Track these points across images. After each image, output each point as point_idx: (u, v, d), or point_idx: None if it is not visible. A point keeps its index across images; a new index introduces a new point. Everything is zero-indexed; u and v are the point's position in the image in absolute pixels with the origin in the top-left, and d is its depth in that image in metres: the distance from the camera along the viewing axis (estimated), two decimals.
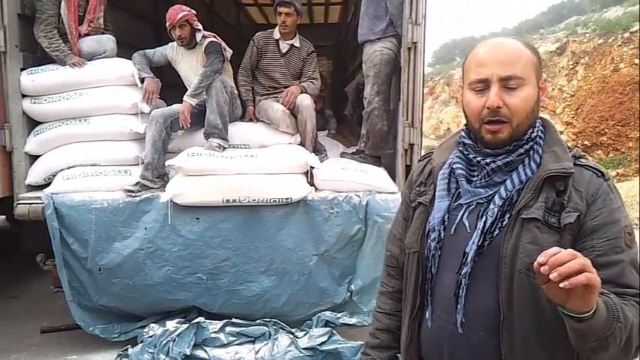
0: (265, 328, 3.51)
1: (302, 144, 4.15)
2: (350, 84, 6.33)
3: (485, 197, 1.32)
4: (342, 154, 4.42)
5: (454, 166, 1.39)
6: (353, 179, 3.72)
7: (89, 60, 4.02)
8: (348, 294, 3.69)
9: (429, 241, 1.38)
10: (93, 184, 3.71)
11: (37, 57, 3.99)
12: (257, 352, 3.34)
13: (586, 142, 12.46)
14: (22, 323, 4.26)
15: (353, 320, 3.66)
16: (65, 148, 3.86)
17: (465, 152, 1.37)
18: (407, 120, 3.71)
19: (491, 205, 1.29)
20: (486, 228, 1.28)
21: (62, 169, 3.80)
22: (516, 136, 1.28)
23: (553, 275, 1.00)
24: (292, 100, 4.12)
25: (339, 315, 3.68)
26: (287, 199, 3.59)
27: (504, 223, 1.27)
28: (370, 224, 3.58)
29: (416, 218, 1.46)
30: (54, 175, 3.80)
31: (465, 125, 1.39)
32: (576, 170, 1.27)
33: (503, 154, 1.30)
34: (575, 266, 1.00)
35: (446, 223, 1.36)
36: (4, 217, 4.88)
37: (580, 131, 12.94)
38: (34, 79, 3.82)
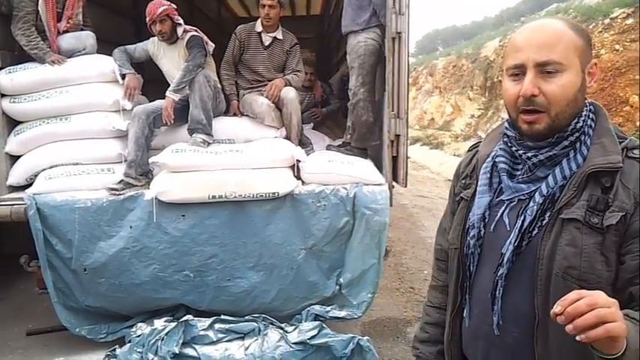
0: (255, 323, 3.49)
1: (287, 137, 4.11)
2: (334, 76, 6.30)
3: (527, 193, 1.25)
4: (328, 147, 4.39)
5: (497, 160, 1.32)
6: (340, 172, 3.70)
7: (69, 57, 3.95)
8: (337, 287, 3.68)
9: (468, 238, 1.34)
10: (75, 183, 3.65)
11: (15, 55, 3.92)
12: (247, 349, 3.32)
13: None
14: (8, 326, 4.19)
15: (342, 313, 3.65)
16: (46, 148, 3.79)
17: (509, 144, 1.30)
18: (392, 111, 3.69)
19: (531, 203, 1.22)
20: (524, 227, 1.21)
21: (44, 169, 3.74)
22: (557, 127, 1.19)
23: (569, 328, 0.94)
24: (277, 94, 4.08)
25: (328, 308, 3.66)
26: (274, 193, 3.56)
27: (544, 222, 1.20)
28: (358, 217, 3.56)
29: (458, 213, 1.42)
30: (36, 175, 3.73)
31: (509, 115, 1.30)
32: (627, 164, 1.16)
33: (546, 147, 1.22)
34: (591, 319, 0.92)
35: (486, 220, 1.31)
36: None
37: None
38: (12, 77, 3.75)
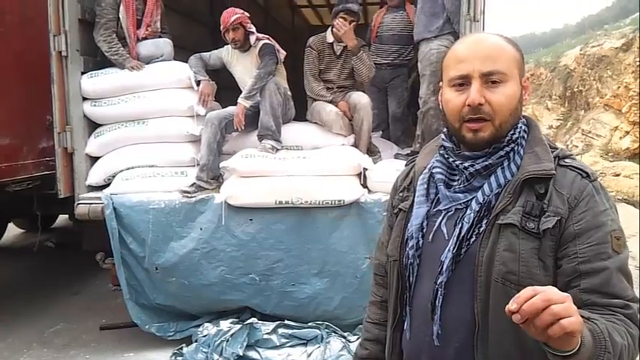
0: (317, 331, 3.49)
1: (356, 144, 4.09)
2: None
3: (464, 202, 1.25)
4: (396, 156, 4.35)
5: (433, 171, 1.32)
6: None
7: (147, 63, 4.11)
8: None
9: (407, 249, 1.32)
10: (150, 185, 3.79)
11: (97, 61, 4.12)
12: (309, 355, 3.33)
13: None
14: (82, 320, 4.40)
15: None
16: (124, 150, 3.96)
17: (446, 156, 1.30)
18: None
19: (468, 211, 1.22)
20: (462, 235, 1.21)
21: (121, 170, 3.90)
22: (499, 136, 1.21)
23: (531, 331, 0.93)
24: (348, 33, 4.02)
25: None
26: (339, 201, 3.55)
27: (481, 229, 1.20)
28: None
29: (396, 225, 1.39)
30: (113, 176, 3.90)
31: (446, 127, 1.31)
32: (560, 171, 1.19)
33: (482, 157, 1.23)
34: (547, 318, 0.91)
35: (424, 230, 1.29)
36: (67, 216, 5.06)
37: None
38: (94, 82, 3.94)
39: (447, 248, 1.23)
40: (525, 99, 1.26)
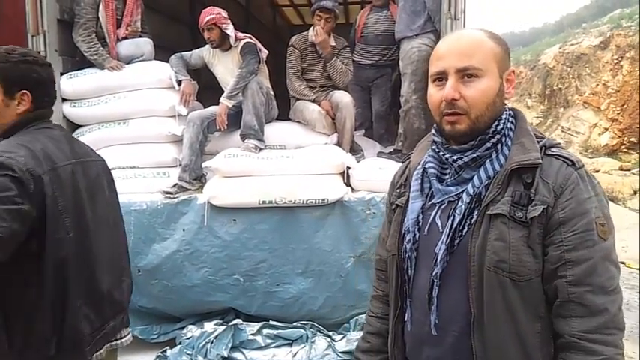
0: (302, 330, 3.48)
1: (339, 143, 4.10)
2: None
3: (455, 195, 1.30)
4: (379, 154, 4.35)
5: (426, 166, 1.38)
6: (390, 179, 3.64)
7: (127, 63, 4.07)
8: None
9: (404, 243, 1.38)
10: (132, 186, 3.75)
11: (76, 61, 4.07)
12: (294, 355, 3.32)
13: (632, 139, 12.04)
14: None
15: None
16: (105, 151, 3.89)
17: (437, 150, 1.35)
18: None
19: (460, 203, 1.27)
20: (454, 226, 1.26)
21: None
22: (477, 129, 1.26)
23: None
24: (324, 41, 4.08)
25: None
26: (323, 200, 3.55)
27: (473, 220, 1.25)
28: None
29: (394, 220, 1.46)
30: None
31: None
32: (546, 161, 1.23)
33: (470, 150, 1.28)
34: None
35: (420, 224, 1.35)
36: None
37: (626, 127, 12.54)
38: (73, 83, 3.90)
39: (441, 240, 1.28)
40: (509, 92, 1.30)
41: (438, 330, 1.29)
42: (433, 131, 1.37)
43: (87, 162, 1.87)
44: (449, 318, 1.28)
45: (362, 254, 3.58)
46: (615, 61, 13.41)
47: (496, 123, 1.27)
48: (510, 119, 1.31)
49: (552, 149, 1.25)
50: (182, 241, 3.61)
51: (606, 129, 13.27)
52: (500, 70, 1.27)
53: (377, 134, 5.12)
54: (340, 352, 3.25)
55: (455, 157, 1.29)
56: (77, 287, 1.70)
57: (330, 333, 3.48)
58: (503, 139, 1.27)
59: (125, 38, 4.17)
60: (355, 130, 4.35)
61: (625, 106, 12.73)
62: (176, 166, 3.89)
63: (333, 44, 4.26)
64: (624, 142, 12.71)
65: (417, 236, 1.35)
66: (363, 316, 3.58)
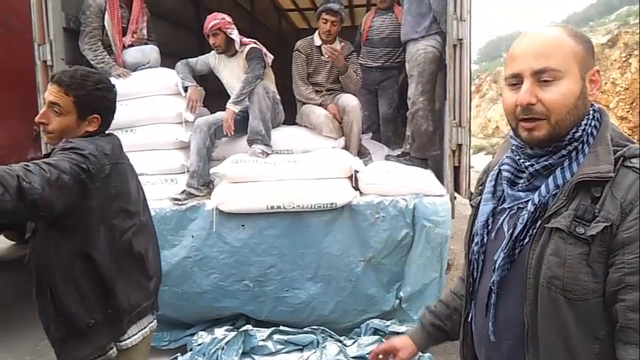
0: (313, 336, 3.47)
1: (346, 147, 4.08)
2: None
3: (524, 202, 1.24)
4: (387, 157, 4.33)
5: (502, 168, 1.32)
6: (399, 182, 3.62)
7: (133, 71, 4.08)
8: (397, 301, 3.60)
9: (472, 245, 1.35)
10: None
11: None
12: None
13: None
14: None
15: (402, 328, 3.55)
16: None
17: (514, 153, 1.28)
18: (454, 119, 3.59)
19: (524, 212, 1.21)
20: (515, 235, 1.21)
21: None
22: (557, 135, 1.17)
23: None
24: (338, 57, 4.06)
25: (388, 323, 3.58)
26: (331, 204, 3.53)
27: (535, 231, 1.19)
28: (418, 229, 3.48)
29: (469, 219, 1.43)
30: None
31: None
32: (621, 173, 1.11)
33: (544, 156, 1.20)
34: None
35: (489, 227, 1.31)
36: None
37: (635, 126, 12.43)
38: None
39: (500, 248, 1.24)
40: (593, 94, 1.20)
41: (495, 336, 1.27)
42: (511, 132, 1.29)
43: (132, 166, 2.12)
44: (504, 326, 1.25)
45: (371, 258, 3.56)
46: (624, 59, 13.33)
47: (574, 130, 1.18)
48: (594, 123, 1.20)
49: (632, 160, 1.12)
50: (191, 247, 3.61)
51: None
52: (582, 71, 1.16)
53: (384, 137, 5.11)
54: (352, 357, 3.23)
55: (528, 164, 1.23)
56: (128, 266, 1.94)
57: (341, 338, 3.46)
58: (581, 147, 1.18)
59: (131, 45, 4.19)
60: (362, 133, 4.34)
61: (634, 104, 12.64)
62: (184, 173, 3.88)
63: (338, 48, 4.26)
64: (635, 141, 12.67)
65: (484, 240, 1.32)
66: (375, 320, 3.58)
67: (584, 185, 1.13)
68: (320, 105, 4.20)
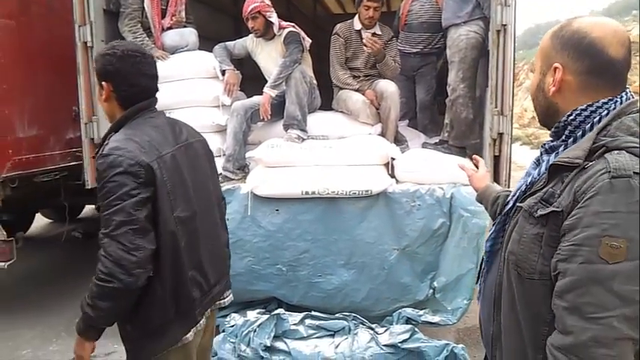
0: (345, 322, 3.45)
1: (383, 133, 4.03)
2: None
3: None
4: (424, 145, 4.27)
5: (540, 148, 1.39)
6: (436, 171, 3.56)
7: (172, 53, 4.10)
8: (431, 291, 3.55)
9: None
10: None
11: None
12: (337, 347, 3.29)
13: None
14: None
15: (436, 319, 3.51)
16: None
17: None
18: (496, 107, 3.49)
19: (518, 192, 1.31)
20: (504, 211, 1.35)
21: None
22: (543, 119, 1.31)
23: None
24: (377, 47, 3.97)
25: (420, 312, 3.54)
26: (367, 191, 3.49)
27: (516, 208, 1.29)
28: (455, 219, 3.42)
29: None
30: None
31: None
32: (597, 163, 1.10)
33: (551, 138, 1.30)
34: None
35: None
36: (93, 206, 5.07)
37: None
38: None
39: (496, 221, 1.39)
40: (549, 89, 1.24)
41: (480, 301, 1.47)
42: None
43: (187, 144, 2.01)
44: (486, 294, 1.40)
45: (406, 247, 3.52)
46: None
47: (569, 114, 1.22)
48: (601, 111, 1.19)
49: (614, 152, 1.10)
50: None
51: None
52: (545, 66, 1.26)
53: (421, 124, 5.02)
54: (384, 345, 3.20)
55: (544, 143, 1.33)
56: (188, 258, 1.88)
57: (373, 325, 3.44)
58: (578, 133, 1.21)
59: (170, 28, 4.21)
60: (399, 120, 4.28)
61: None
62: (220, 156, 3.90)
63: (379, 33, 4.18)
64: None
65: (503, 211, 1.43)
66: (408, 309, 3.55)
67: (559, 170, 1.17)
68: (357, 90, 4.14)
